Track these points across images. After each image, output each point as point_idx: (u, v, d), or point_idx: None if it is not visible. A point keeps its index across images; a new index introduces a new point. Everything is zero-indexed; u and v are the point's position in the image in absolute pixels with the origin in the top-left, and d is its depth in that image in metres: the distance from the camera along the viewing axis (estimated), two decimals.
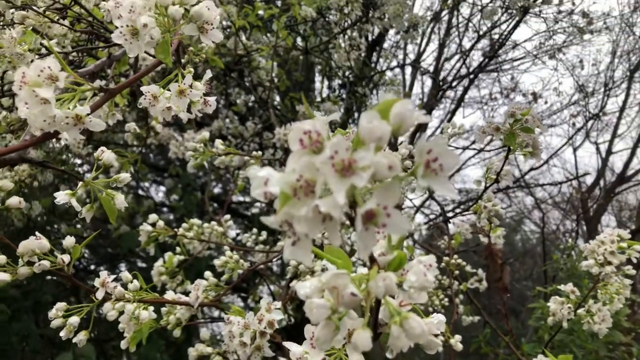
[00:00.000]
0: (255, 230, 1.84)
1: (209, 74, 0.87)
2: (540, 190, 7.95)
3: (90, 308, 0.93)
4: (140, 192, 6.77)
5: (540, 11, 5.80)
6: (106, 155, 0.88)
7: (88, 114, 0.68)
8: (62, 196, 0.87)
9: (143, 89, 0.83)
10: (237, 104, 3.40)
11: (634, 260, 1.61)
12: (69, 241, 0.85)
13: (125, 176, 0.91)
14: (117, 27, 0.69)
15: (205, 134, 1.38)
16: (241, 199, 7.12)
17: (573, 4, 6.12)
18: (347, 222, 0.39)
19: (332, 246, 0.55)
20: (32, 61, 1.24)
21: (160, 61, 0.77)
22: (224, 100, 3.59)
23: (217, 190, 6.65)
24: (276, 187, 0.37)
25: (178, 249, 1.70)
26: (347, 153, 0.36)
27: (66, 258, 0.84)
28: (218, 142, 1.46)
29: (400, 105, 0.38)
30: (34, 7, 1.18)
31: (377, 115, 0.37)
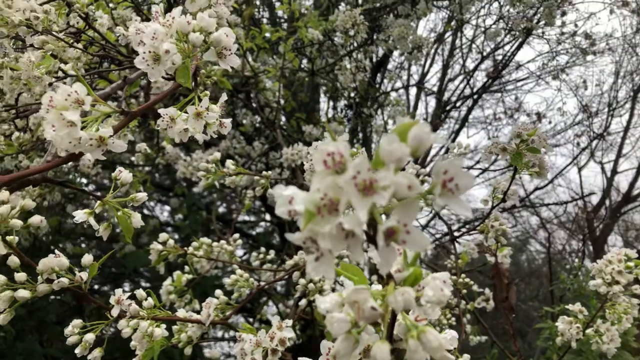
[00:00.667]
0: (262, 249, 1.86)
1: (224, 97, 0.90)
2: (546, 210, 7.93)
3: (105, 325, 0.95)
4: (145, 211, 6.80)
5: (543, 33, 5.87)
6: (124, 175, 0.91)
7: (111, 136, 0.70)
8: (80, 215, 0.90)
9: (161, 111, 0.86)
10: (244, 124, 3.45)
11: None
12: (87, 259, 0.87)
13: (142, 195, 0.93)
14: (137, 53, 0.72)
15: (217, 154, 1.41)
16: (246, 218, 7.14)
17: (576, 25, 6.20)
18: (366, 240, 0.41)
19: (348, 263, 0.57)
20: (50, 84, 1.27)
21: (178, 85, 0.80)
22: (231, 121, 3.63)
23: (221, 209, 6.69)
24: (301, 205, 0.40)
25: (186, 268, 1.72)
26: (368, 173, 0.38)
27: (84, 276, 0.86)
28: (229, 163, 1.49)
29: (418, 128, 0.41)
30: (53, 33, 1.22)
31: (397, 138, 0.39)
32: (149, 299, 0.99)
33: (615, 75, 7.56)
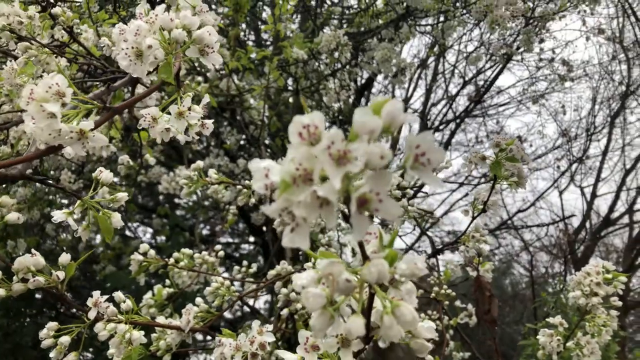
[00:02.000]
0: (245, 262, 1.84)
1: (207, 99, 0.91)
2: (528, 232, 8.01)
3: (81, 328, 0.93)
4: (127, 232, 6.71)
5: (522, 58, 6.03)
6: (104, 174, 0.91)
7: (92, 129, 0.71)
8: (59, 215, 0.89)
9: (143, 111, 0.86)
10: (228, 142, 3.46)
11: (620, 292, 1.64)
12: (64, 258, 0.86)
13: (123, 195, 0.93)
14: (122, 49, 0.73)
15: (199, 162, 1.41)
16: (230, 239, 7.08)
17: (553, 52, 6.38)
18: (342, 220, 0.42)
19: (326, 251, 0.57)
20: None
21: (161, 83, 0.81)
22: (215, 139, 3.64)
23: (205, 231, 6.63)
24: (277, 176, 0.40)
25: (167, 282, 1.70)
26: (342, 144, 0.39)
27: (61, 275, 0.85)
28: (212, 172, 1.49)
29: (391, 105, 0.42)
30: (37, 40, 1.23)
31: (370, 112, 0.40)
32: (127, 301, 0.98)
33: (592, 102, 7.77)
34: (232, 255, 6.43)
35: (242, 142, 3.82)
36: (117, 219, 0.89)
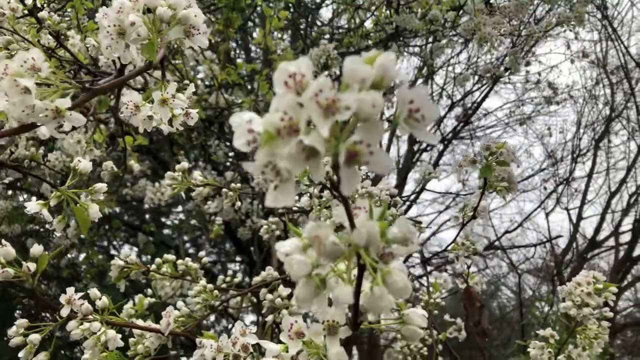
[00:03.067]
0: (230, 272, 1.80)
1: (192, 88, 0.88)
2: (516, 252, 8.02)
3: (52, 327, 0.88)
4: (112, 251, 6.59)
5: (509, 80, 6.12)
6: (82, 164, 0.87)
7: (69, 108, 0.67)
8: (33, 206, 0.85)
9: (125, 98, 0.83)
10: (216, 154, 3.42)
11: (611, 303, 1.62)
12: (36, 249, 0.82)
13: (102, 186, 0.89)
14: (104, 27, 0.71)
15: (184, 163, 1.38)
16: (215, 258, 6.98)
17: (539, 74, 6.49)
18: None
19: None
20: None
21: (147, 67, 0.78)
22: (202, 153, 3.61)
23: (191, 250, 6.53)
24: (260, 126, 0.38)
25: (149, 291, 1.64)
26: (331, 92, 0.36)
27: (32, 266, 0.80)
28: (197, 174, 1.46)
29: (384, 57, 0.39)
30: (20, 34, 1.20)
31: (361, 60, 0.38)
32: (104, 299, 0.93)
33: (577, 125, 7.87)
34: (218, 275, 6.32)
35: (229, 156, 3.78)
36: (94, 210, 0.85)
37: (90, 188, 0.89)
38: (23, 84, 0.63)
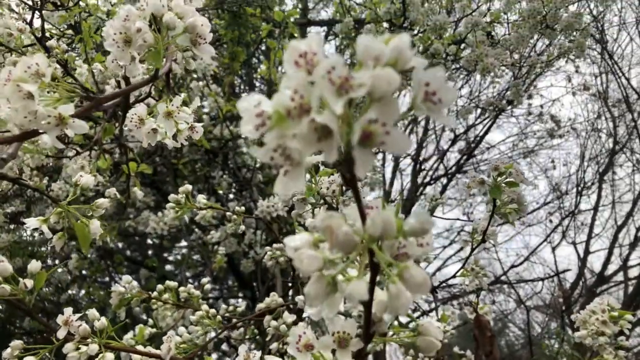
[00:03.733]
0: (232, 301, 1.75)
1: (197, 102, 0.87)
2: (523, 288, 7.87)
3: (49, 350, 0.84)
4: (112, 285, 6.50)
5: (512, 113, 6.15)
6: (84, 179, 0.85)
7: (72, 115, 0.66)
8: (32, 222, 0.83)
9: (130, 111, 0.82)
10: (220, 185, 3.41)
11: (626, 332, 1.56)
12: (34, 266, 0.79)
13: (103, 201, 0.87)
14: (110, 36, 0.70)
15: (188, 186, 1.36)
16: (218, 295, 6.87)
17: (541, 107, 6.53)
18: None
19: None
20: None
21: (153, 78, 0.77)
22: (206, 185, 3.60)
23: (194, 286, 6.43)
24: (269, 107, 0.36)
25: (150, 321, 1.60)
26: (344, 69, 0.35)
27: (29, 283, 0.77)
28: (200, 197, 1.43)
29: (399, 39, 0.38)
30: (27, 54, 1.20)
31: (374, 38, 0.36)
32: (102, 320, 0.89)
33: (581, 158, 7.86)
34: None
35: (233, 187, 3.77)
36: (95, 226, 0.83)
37: (92, 204, 0.87)
38: (26, 89, 0.62)
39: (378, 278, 0.46)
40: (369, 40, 0.35)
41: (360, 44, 0.35)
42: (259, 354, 0.93)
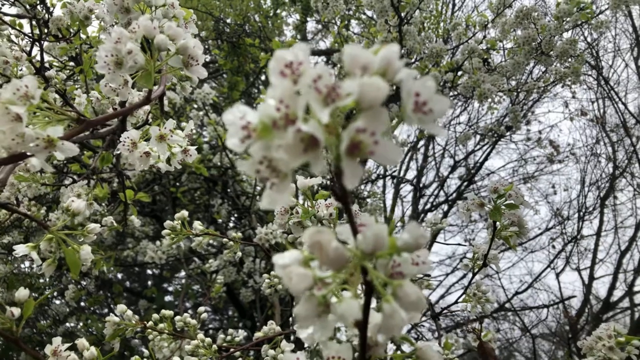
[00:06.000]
0: (230, 330, 1.71)
1: (191, 125, 0.86)
2: (527, 316, 7.74)
3: None
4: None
5: (511, 138, 6.17)
6: (76, 204, 0.84)
7: (61, 138, 0.65)
8: (21, 248, 0.81)
9: (123, 135, 0.81)
10: (219, 212, 3.39)
11: (634, 358, 1.52)
12: (22, 293, 0.77)
13: (95, 226, 0.85)
14: (101, 57, 0.70)
15: (184, 212, 1.34)
16: (217, 326, 6.76)
17: (539, 132, 6.55)
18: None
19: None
20: None
21: (145, 101, 0.76)
22: (205, 213, 3.58)
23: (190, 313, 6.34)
24: (255, 118, 0.34)
25: (145, 352, 1.56)
26: (330, 78, 0.34)
27: (16, 312, 0.74)
28: (197, 224, 1.42)
29: (387, 49, 0.37)
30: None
31: (361, 47, 0.35)
32: (92, 350, 0.86)
33: (581, 183, 7.84)
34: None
35: (232, 215, 3.75)
36: (86, 251, 0.81)
37: (83, 230, 0.85)
38: (14, 111, 0.61)
39: (373, 301, 0.44)
40: (356, 49, 0.34)
41: (347, 53, 0.34)
42: None
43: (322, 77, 0.33)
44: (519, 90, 3.81)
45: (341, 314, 0.35)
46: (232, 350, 1.33)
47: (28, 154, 0.65)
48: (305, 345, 1.62)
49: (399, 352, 0.57)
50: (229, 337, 1.69)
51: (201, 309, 1.50)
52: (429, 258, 0.44)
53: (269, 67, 0.35)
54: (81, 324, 5.44)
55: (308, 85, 0.33)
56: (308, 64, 0.35)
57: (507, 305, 6.92)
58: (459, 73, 3.86)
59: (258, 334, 1.33)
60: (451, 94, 4.45)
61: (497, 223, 1.25)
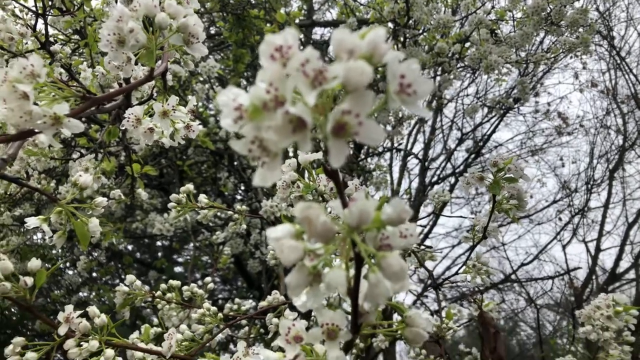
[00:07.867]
0: (237, 300, 1.76)
1: (193, 101, 0.88)
2: (533, 287, 7.82)
3: (50, 346, 0.86)
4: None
5: (519, 111, 6.12)
6: (83, 178, 0.87)
7: (67, 115, 0.67)
8: (33, 221, 0.84)
9: (127, 111, 0.83)
10: (226, 186, 3.43)
11: (632, 327, 1.55)
12: (34, 263, 0.80)
13: (102, 200, 0.88)
14: (104, 36, 0.71)
15: (189, 185, 1.37)
16: (227, 296, 6.90)
17: (548, 104, 6.49)
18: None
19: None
20: None
21: (148, 77, 0.78)
22: (212, 185, 3.62)
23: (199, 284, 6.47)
24: (246, 100, 0.36)
25: (155, 320, 1.61)
26: (318, 62, 0.35)
27: (29, 281, 0.78)
28: (202, 197, 1.45)
29: (374, 33, 0.38)
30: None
31: (349, 31, 0.37)
32: (102, 317, 0.91)
33: (590, 155, 7.80)
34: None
35: (239, 188, 3.79)
36: (94, 224, 0.84)
37: (91, 203, 0.88)
38: (21, 89, 0.63)
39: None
40: (343, 34, 0.36)
41: (334, 38, 0.36)
42: (258, 348, 0.94)
43: (310, 60, 0.35)
44: (527, 61, 3.76)
45: (328, 283, 0.38)
46: (238, 318, 1.37)
47: (36, 130, 0.67)
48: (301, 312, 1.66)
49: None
50: (235, 307, 1.74)
51: (208, 279, 1.55)
52: (416, 231, 0.46)
53: (259, 50, 0.37)
54: (94, 293, 5.58)
55: (296, 69, 0.35)
56: (297, 48, 0.37)
57: (512, 276, 6.99)
58: (467, 44, 3.81)
59: (263, 303, 1.37)
60: (459, 65, 4.41)
61: (497, 196, 1.27)
